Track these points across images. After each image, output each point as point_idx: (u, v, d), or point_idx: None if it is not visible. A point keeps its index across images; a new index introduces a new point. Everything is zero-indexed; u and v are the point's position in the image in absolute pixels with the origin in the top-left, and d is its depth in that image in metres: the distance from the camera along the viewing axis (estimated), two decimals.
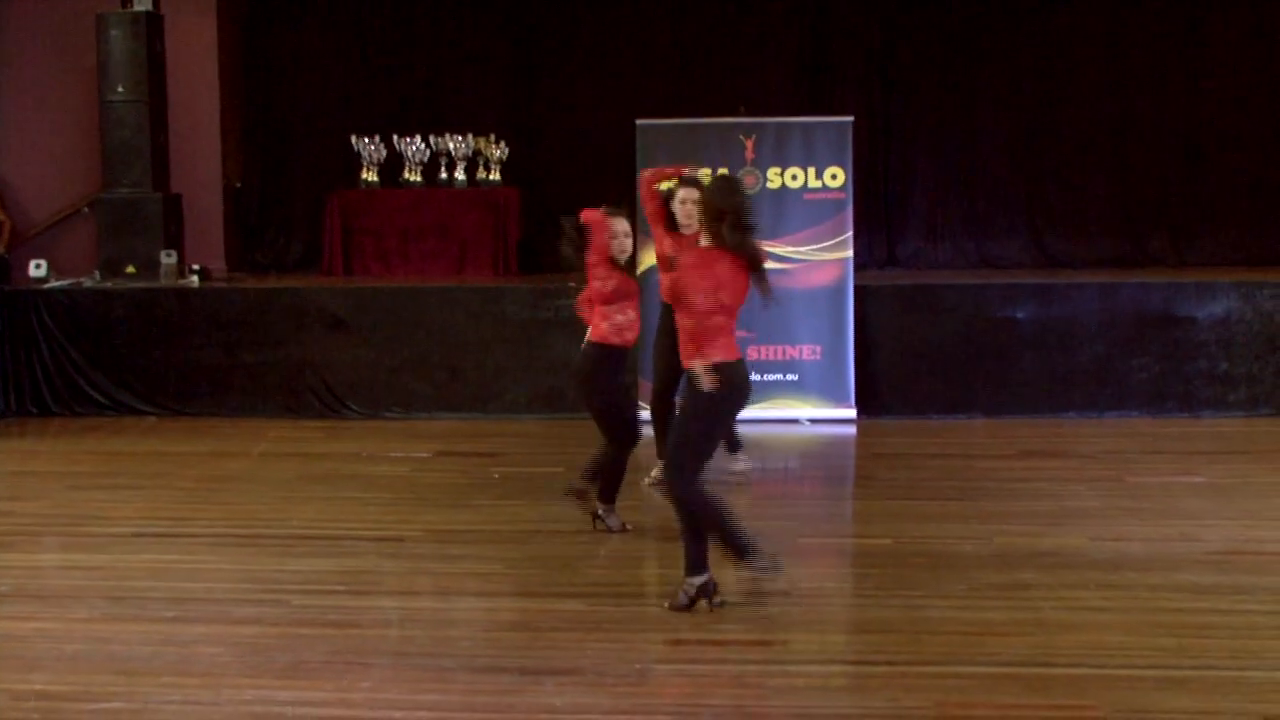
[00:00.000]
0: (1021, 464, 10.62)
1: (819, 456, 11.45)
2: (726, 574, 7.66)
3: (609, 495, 8.49)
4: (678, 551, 8.14)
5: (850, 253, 12.22)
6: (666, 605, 7.04)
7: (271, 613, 7.14)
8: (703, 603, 7.10)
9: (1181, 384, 12.19)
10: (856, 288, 12.26)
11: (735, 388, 6.94)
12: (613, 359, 8.21)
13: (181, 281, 13.23)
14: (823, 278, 12.11)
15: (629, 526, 8.50)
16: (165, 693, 6.08)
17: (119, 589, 7.58)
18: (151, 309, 12.77)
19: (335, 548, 8.34)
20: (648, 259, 11.53)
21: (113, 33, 13.75)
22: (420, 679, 6.22)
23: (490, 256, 13.98)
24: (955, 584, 7.48)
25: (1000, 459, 10.79)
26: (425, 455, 11.08)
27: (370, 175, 14.23)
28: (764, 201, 12.11)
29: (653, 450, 9.29)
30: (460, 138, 14.19)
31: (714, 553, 7.07)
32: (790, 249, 12.03)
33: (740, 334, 7.20)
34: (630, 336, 8.21)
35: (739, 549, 7.04)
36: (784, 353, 12.05)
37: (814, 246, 12.14)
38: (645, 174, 8.97)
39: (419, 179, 14.27)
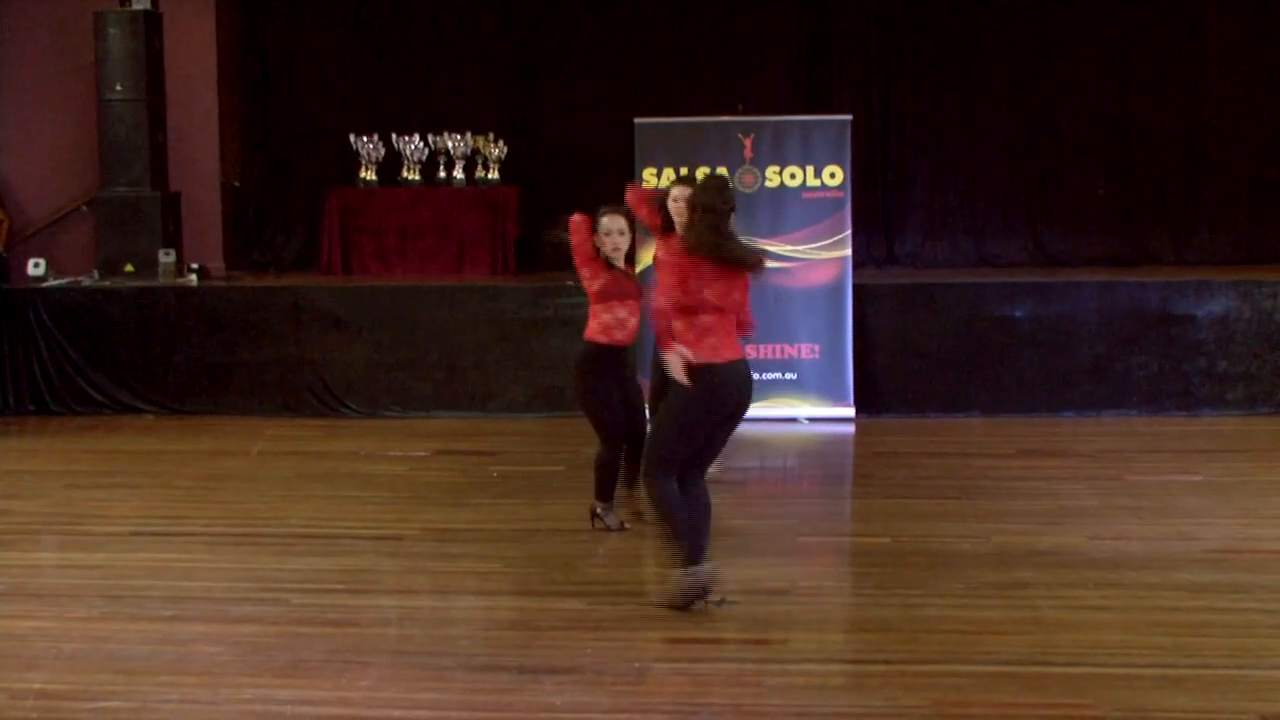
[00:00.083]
0: (1020, 463, 10.63)
1: (817, 455, 11.45)
2: (727, 574, 7.67)
3: (605, 494, 8.49)
4: (676, 549, 8.16)
5: (849, 251, 12.22)
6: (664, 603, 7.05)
7: (270, 611, 7.14)
8: (701, 601, 7.11)
9: (1180, 382, 12.20)
10: (855, 286, 12.26)
11: (711, 390, 6.88)
12: (601, 358, 8.22)
13: (180, 280, 13.23)
14: (821, 276, 12.11)
15: (627, 525, 8.50)
16: (164, 691, 6.08)
17: (117, 588, 7.58)
18: (150, 308, 12.78)
19: (334, 546, 8.34)
20: (646, 258, 11.56)
21: (111, 31, 13.74)
22: (419, 677, 6.22)
23: (489, 255, 13.97)
24: (953, 583, 7.48)
25: (998, 458, 10.79)
26: (424, 454, 11.08)
27: (369, 174, 14.22)
28: (762, 200, 12.13)
29: None
30: (459, 136, 14.18)
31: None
32: (789, 248, 12.03)
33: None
34: (619, 336, 8.20)
35: (688, 554, 7.01)
36: (782, 351, 12.05)
37: (812, 245, 12.14)
38: (628, 194, 8.89)
39: (417, 178, 14.26)
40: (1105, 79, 14.65)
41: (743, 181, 12.08)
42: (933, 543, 8.28)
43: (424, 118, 14.60)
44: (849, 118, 12.50)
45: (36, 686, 6.15)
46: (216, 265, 14.44)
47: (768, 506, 9.48)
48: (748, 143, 12.23)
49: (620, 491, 8.45)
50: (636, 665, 6.37)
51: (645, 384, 10.10)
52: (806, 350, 12.12)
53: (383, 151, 14.20)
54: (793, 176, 12.23)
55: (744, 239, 7.36)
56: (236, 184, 15.18)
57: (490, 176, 14.25)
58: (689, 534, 7.01)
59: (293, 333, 12.62)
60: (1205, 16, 14.56)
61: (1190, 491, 9.56)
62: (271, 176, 15.30)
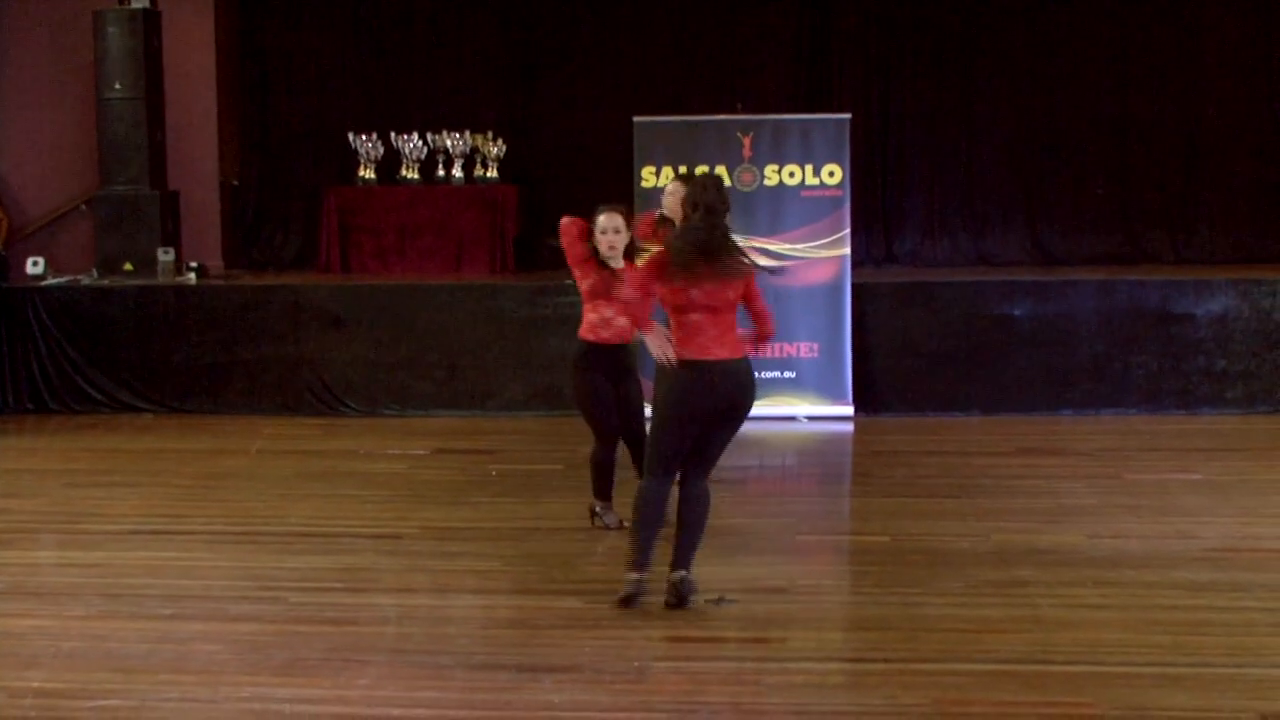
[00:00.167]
0: (1019, 461, 10.63)
1: (816, 454, 11.45)
2: (733, 571, 7.69)
3: (602, 492, 8.49)
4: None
5: (848, 250, 12.22)
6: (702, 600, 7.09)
7: (269, 610, 7.14)
8: (700, 600, 7.12)
9: (1179, 381, 12.20)
10: (854, 285, 12.26)
11: (692, 385, 6.89)
12: (593, 356, 8.24)
13: (179, 279, 13.22)
14: (820, 275, 12.11)
15: (626, 524, 8.49)
16: (162, 690, 6.08)
17: (116, 586, 7.58)
18: (149, 306, 12.78)
19: (333, 545, 8.34)
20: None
21: (110, 30, 13.74)
22: (418, 676, 6.22)
23: (487, 254, 13.97)
24: (953, 581, 7.48)
25: (998, 456, 10.79)
26: (423, 452, 11.08)
27: (367, 172, 14.22)
28: (761, 199, 12.13)
29: None
30: (458, 135, 14.17)
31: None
32: (788, 246, 12.03)
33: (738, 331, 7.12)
34: (606, 335, 8.20)
35: (636, 558, 7.03)
36: (781, 350, 12.05)
37: (811, 244, 12.14)
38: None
39: (416, 176, 14.26)
40: (1104, 78, 14.65)
41: (742, 180, 12.09)
42: (932, 541, 8.28)
43: (423, 116, 14.60)
44: (848, 116, 12.50)
45: (35, 685, 6.14)
46: (215, 264, 14.44)
47: (766, 505, 9.48)
48: (747, 141, 12.23)
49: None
50: (635, 664, 6.37)
51: (648, 384, 10.12)
52: (805, 349, 12.12)
53: (381, 150, 14.20)
54: (792, 175, 12.23)
55: (741, 239, 7.33)
56: (235, 182, 15.17)
57: (489, 175, 14.25)
58: (639, 539, 7.04)
59: (291, 331, 12.62)
60: (1204, 16, 14.56)
61: (1189, 490, 9.57)
62: (270, 175, 15.29)
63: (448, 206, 14.09)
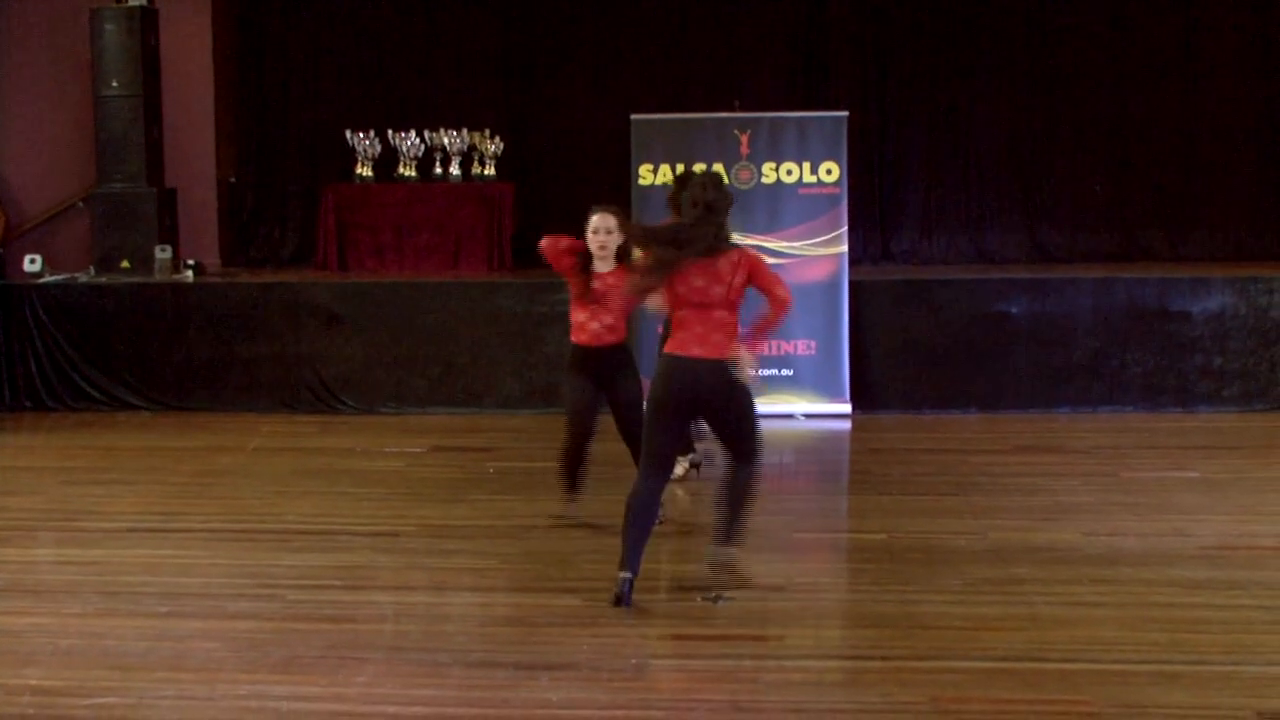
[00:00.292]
0: (1016, 459, 10.63)
1: (813, 451, 11.45)
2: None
3: (567, 486, 8.58)
4: (673, 546, 8.17)
5: (845, 248, 12.22)
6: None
7: (266, 608, 7.14)
8: (698, 598, 7.13)
9: (1176, 379, 12.21)
10: (851, 283, 12.27)
11: (658, 382, 7.02)
12: (573, 355, 8.39)
13: (176, 276, 13.23)
14: (817, 273, 12.12)
15: (563, 519, 8.54)
16: (160, 687, 6.08)
17: (114, 584, 7.58)
18: (146, 304, 12.77)
19: (330, 543, 8.34)
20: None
21: (107, 27, 13.73)
22: (415, 674, 6.22)
23: (485, 252, 13.96)
24: (950, 579, 7.49)
25: (995, 454, 10.79)
26: (420, 450, 11.08)
27: (365, 170, 14.21)
28: (759, 197, 12.13)
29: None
30: (455, 133, 14.16)
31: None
32: (785, 244, 12.03)
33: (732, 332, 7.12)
34: (582, 337, 8.29)
35: (624, 557, 7.06)
36: (779, 348, 12.05)
37: (809, 242, 12.15)
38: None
39: (414, 174, 14.25)
40: (1102, 76, 14.65)
41: (739, 178, 12.09)
42: (929, 539, 8.29)
43: (420, 114, 14.59)
44: (845, 114, 12.51)
45: (33, 683, 6.15)
46: (212, 261, 14.45)
47: (764, 503, 9.41)
48: (744, 139, 12.24)
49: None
50: (633, 661, 6.38)
51: (647, 382, 10.13)
52: (803, 346, 12.12)
53: (379, 148, 14.19)
54: (789, 173, 12.23)
55: (739, 237, 7.35)
56: (232, 180, 15.17)
57: (487, 173, 14.24)
58: (627, 538, 7.06)
59: (289, 329, 12.62)
60: (1202, 15, 14.55)
61: (1186, 488, 9.57)
62: (267, 173, 15.28)
63: (445, 204, 14.09)
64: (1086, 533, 8.36)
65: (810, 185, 12.21)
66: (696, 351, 6.92)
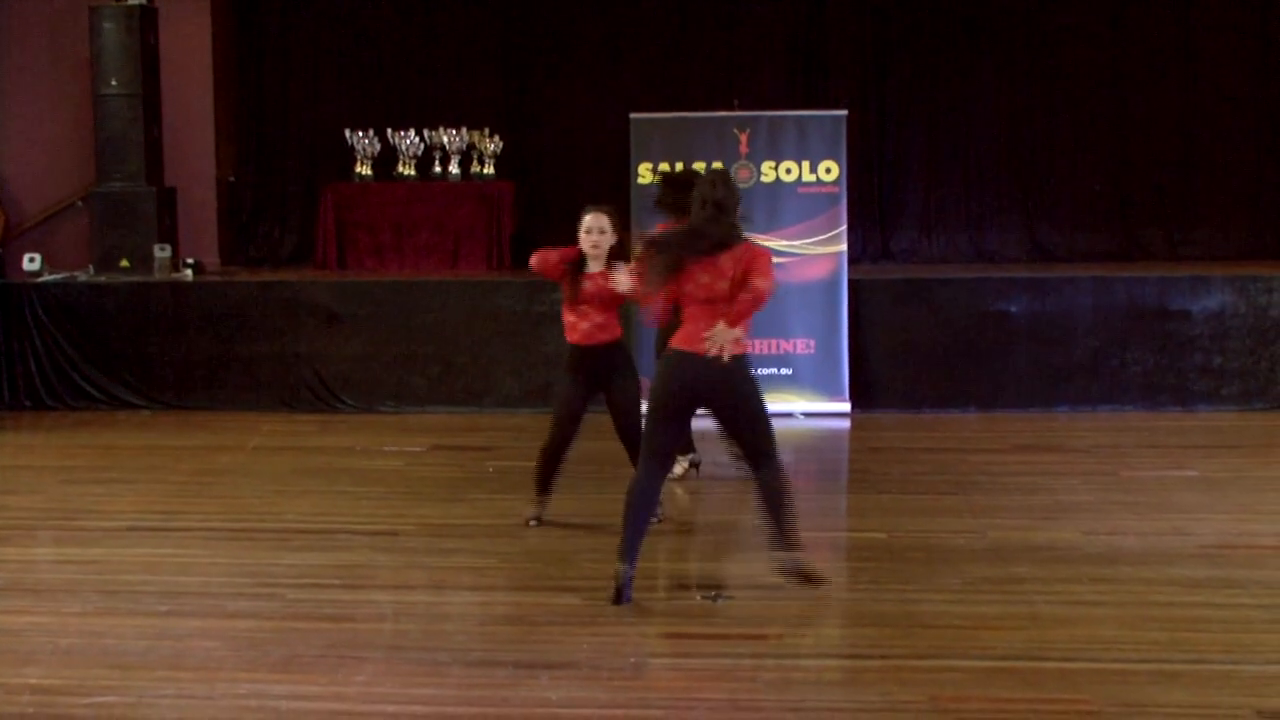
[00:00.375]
0: (1015, 458, 10.63)
1: (813, 450, 11.45)
2: (730, 568, 7.70)
3: (539, 486, 8.58)
4: (672, 545, 8.17)
5: (844, 246, 12.23)
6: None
7: (266, 607, 7.14)
8: (697, 596, 7.14)
9: (1175, 378, 12.22)
10: (850, 281, 12.27)
11: (661, 376, 7.04)
12: (570, 356, 8.39)
13: (175, 275, 13.23)
14: (817, 272, 12.12)
15: (533, 522, 8.53)
16: (159, 686, 6.08)
17: (113, 583, 7.57)
18: (145, 303, 12.77)
19: (329, 542, 8.34)
20: None
21: (106, 26, 13.72)
22: (415, 673, 6.22)
23: (484, 250, 13.96)
24: (949, 578, 7.49)
25: (994, 453, 10.79)
26: (419, 449, 11.08)
27: (364, 169, 14.21)
28: (758, 196, 12.12)
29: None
30: (454, 131, 14.16)
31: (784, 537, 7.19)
32: (784, 243, 12.03)
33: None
34: (574, 337, 8.31)
35: (622, 550, 7.08)
36: (778, 347, 12.06)
37: (808, 240, 12.15)
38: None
39: (413, 173, 14.25)
40: (1102, 75, 14.66)
41: (738, 177, 12.08)
42: (928, 538, 8.29)
43: (420, 113, 14.60)
44: (844, 113, 12.51)
45: (33, 681, 6.15)
46: (212, 260, 14.45)
47: None
48: (743, 138, 12.24)
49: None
50: (632, 660, 6.38)
51: (645, 381, 10.13)
52: (802, 345, 12.13)
53: (378, 147, 14.19)
54: (788, 172, 12.23)
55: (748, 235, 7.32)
56: (232, 179, 15.17)
57: (486, 171, 14.24)
58: (626, 531, 7.08)
59: (288, 328, 12.63)
60: (1202, 14, 14.56)
61: (1186, 487, 9.57)
62: (267, 171, 15.29)
63: (444, 203, 14.09)
64: (1086, 531, 8.36)
65: (809, 184, 12.21)
66: (696, 347, 6.93)
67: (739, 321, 6.90)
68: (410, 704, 5.89)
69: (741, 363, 7.01)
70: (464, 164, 14.25)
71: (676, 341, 7.04)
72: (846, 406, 12.12)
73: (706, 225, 6.96)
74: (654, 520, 7.61)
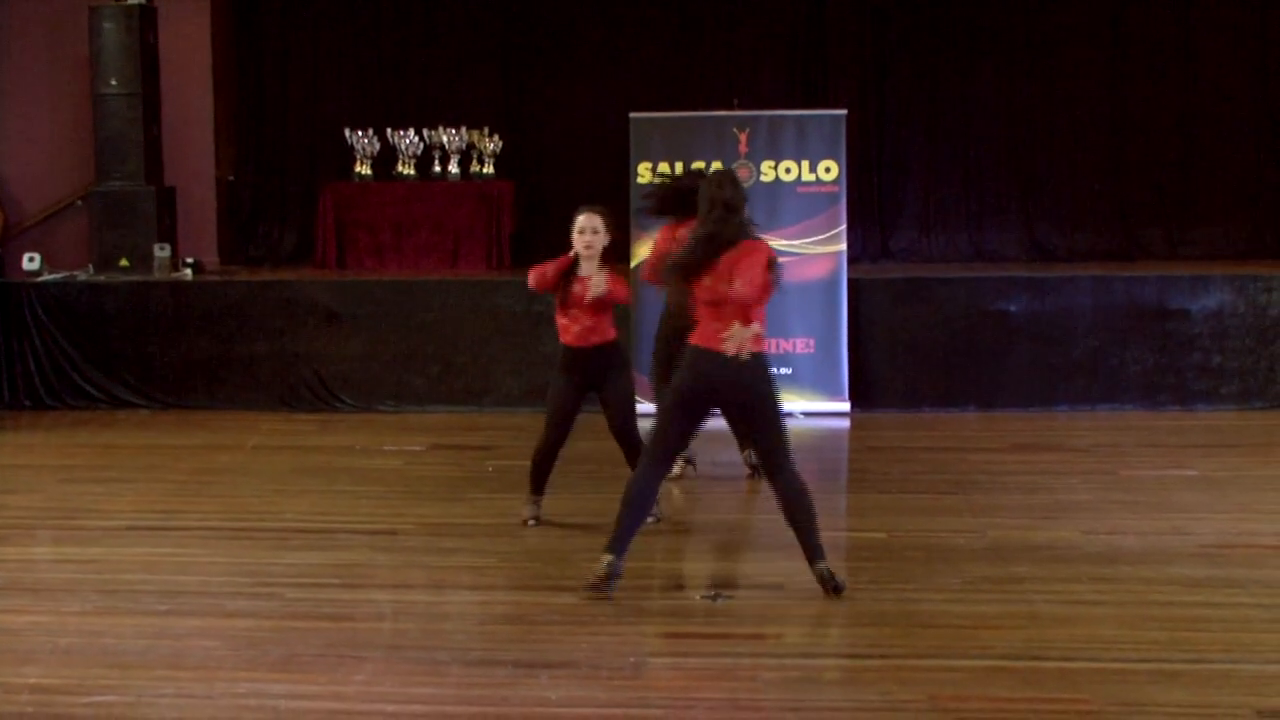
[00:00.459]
0: (1015, 457, 10.63)
1: (812, 450, 11.41)
2: (729, 567, 7.70)
3: (533, 486, 8.60)
4: (671, 545, 8.17)
5: (844, 246, 12.22)
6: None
7: (265, 606, 7.14)
8: (696, 596, 7.14)
9: (1175, 377, 12.21)
10: (850, 281, 12.27)
11: (681, 374, 7.07)
12: (563, 356, 8.39)
13: (175, 275, 13.22)
14: (816, 271, 12.11)
15: (531, 522, 8.53)
16: (159, 686, 6.08)
17: (112, 582, 7.57)
18: (145, 302, 12.77)
19: (329, 541, 8.34)
20: (642, 252, 11.67)
21: (106, 25, 13.71)
22: (414, 672, 6.22)
23: (484, 250, 13.96)
24: (949, 577, 7.49)
25: (993, 452, 10.79)
26: (419, 448, 11.08)
27: (364, 168, 14.20)
28: (757, 195, 12.07)
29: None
30: (454, 131, 14.15)
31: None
32: (783, 242, 11.99)
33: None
34: (567, 338, 8.32)
35: (612, 541, 7.11)
36: (777, 346, 12.04)
37: (807, 240, 12.14)
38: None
39: (412, 172, 14.24)
40: (1101, 75, 14.65)
41: (736, 173, 12.06)
42: (928, 537, 8.29)
43: (419, 112, 14.59)
44: (844, 112, 12.51)
45: (32, 681, 6.15)
46: (211, 260, 14.43)
47: (763, 501, 9.45)
48: (743, 137, 12.23)
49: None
50: (632, 660, 6.38)
51: (642, 379, 10.12)
52: (801, 345, 12.12)
53: (378, 146, 14.18)
54: (788, 171, 12.23)
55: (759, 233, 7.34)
56: (231, 178, 15.16)
57: (485, 171, 14.23)
58: (621, 522, 7.12)
59: (287, 327, 12.62)
60: (1201, 14, 14.55)
61: (1185, 486, 9.57)
62: (266, 171, 15.27)
63: (444, 202, 14.08)
64: (1085, 531, 8.36)
65: (809, 183, 12.21)
66: (715, 345, 6.95)
67: (748, 320, 6.93)
68: (409, 703, 5.90)
69: (761, 361, 7.04)
70: (464, 163, 14.24)
71: (696, 339, 7.06)
72: (846, 406, 12.12)
73: (720, 227, 6.99)
74: (650, 520, 7.62)
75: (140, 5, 13.77)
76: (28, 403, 12.69)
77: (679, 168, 12.00)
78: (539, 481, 8.59)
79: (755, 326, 6.93)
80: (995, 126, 14.76)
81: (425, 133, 14.20)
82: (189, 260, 13.45)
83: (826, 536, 7.87)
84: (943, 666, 6.22)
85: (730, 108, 12.61)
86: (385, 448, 11.06)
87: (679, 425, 7.12)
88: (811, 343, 12.13)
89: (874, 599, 7.19)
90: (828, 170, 12.21)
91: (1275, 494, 9.31)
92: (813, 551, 7.12)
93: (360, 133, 14.14)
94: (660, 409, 7.16)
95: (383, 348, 12.56)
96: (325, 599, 7.26)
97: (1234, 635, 6.60)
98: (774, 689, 6.06)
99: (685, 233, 7.92)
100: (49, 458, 10.96)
